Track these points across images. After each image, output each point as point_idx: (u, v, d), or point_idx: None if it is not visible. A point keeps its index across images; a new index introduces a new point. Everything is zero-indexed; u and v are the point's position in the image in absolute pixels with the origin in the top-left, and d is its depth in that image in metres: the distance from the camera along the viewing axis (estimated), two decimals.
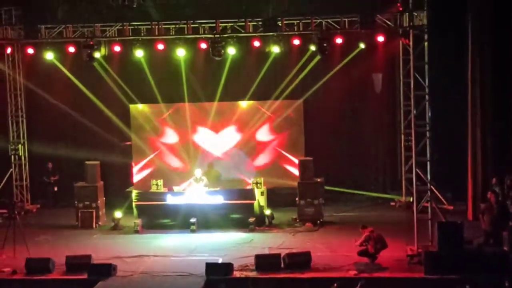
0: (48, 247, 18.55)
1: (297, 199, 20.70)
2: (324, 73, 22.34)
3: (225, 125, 23.44)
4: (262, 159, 23.39)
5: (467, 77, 20.27)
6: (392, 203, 22.49)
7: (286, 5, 20.09)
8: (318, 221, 20.44)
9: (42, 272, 16.17)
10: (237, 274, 15.83)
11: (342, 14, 20.05)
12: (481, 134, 20.31)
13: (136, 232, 20.06)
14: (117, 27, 20.19)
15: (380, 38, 20.14)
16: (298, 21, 19.89)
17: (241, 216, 20.16)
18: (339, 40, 19.98)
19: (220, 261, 16.71)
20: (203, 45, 20.22)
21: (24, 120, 23.56)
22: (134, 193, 20.88)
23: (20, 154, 23.40)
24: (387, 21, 19.05)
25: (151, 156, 23.54)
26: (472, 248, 16.25)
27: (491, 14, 19.83)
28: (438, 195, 20.13)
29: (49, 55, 21.35)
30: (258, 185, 20.89)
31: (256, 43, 20.41)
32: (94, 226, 20.78)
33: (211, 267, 15.79)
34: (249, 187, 21.10)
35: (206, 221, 20.08)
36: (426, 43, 17.00)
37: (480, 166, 20.25)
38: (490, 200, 17.27)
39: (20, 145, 23.33)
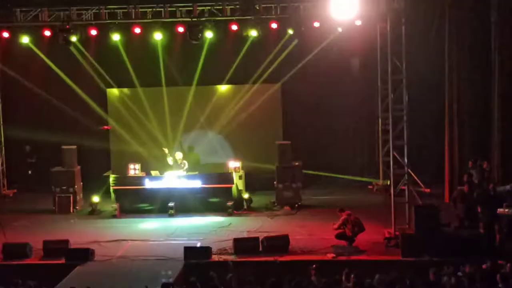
0: (26, 232, 18.49)
1: (275, 182, 20.75)
2: (302, 57, 22.30)
3: (203, 109, 23.36)
4: (240, 143, 23.36)
5: (444, 60, 20.39)
6: (370, 187, 22.61)
7: None
8: (296, 205, 20.52)
9: (20, 257, 16.15)
10: (215, 257, 15.89)
11: None
12: (458, 117, 20.48)
13: (114, 216, 20.03)
14: (93, 11, 19.99)
15: (358, 22, 20.14)
16: (275, 5, 19.82)
17: (219, 200, 20.20)
18: (316, 24, 19.95)
19: (198, 245, 16.77)
20: (181, 29, 20.07)
21: (0, 105, 23.33)
22: (111, 178, 20.82)
23: None
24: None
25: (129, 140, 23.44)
26: (449, 230, 16.40)
27: None
28: (415, 178, 20.26)
29: (25, 39, 21.08)
30: (236, 169, 20.91)
31: (234, 27, 20.30)
32: (71, 210, 20.72)
33: (189, 251, 15.83)
34: (227, 171, 21.10)
35: (185, 205, 20.08)
36: (403, 27, 17.04)
37: (457, 149, 20.44)
38: (464, 188, 17.35)
39: None
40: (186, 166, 20.80)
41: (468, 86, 20.56)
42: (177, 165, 20.79)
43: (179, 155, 21.00)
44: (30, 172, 23.65)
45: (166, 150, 21.03)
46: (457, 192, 17.74)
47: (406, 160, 17.12)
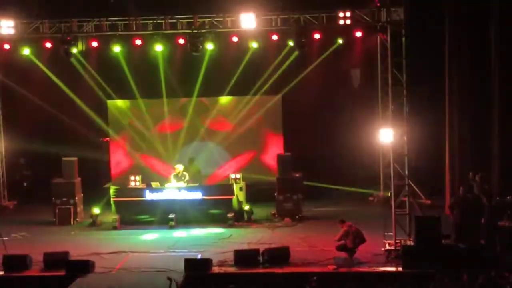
0: (26, 244, 18.44)
1: (275, 194, 20.73)
2: (302, 68, 22.35)
3: (204, 121, 23.38)
4: (241, 155, 23.37)
5: (445, 72, 20.41)
6: (370, 198, 22.57)
7: None
8: (297, 216, 20.50)
9: (20, 269, 16.12)
10: (216, 269, 15.84)
11: (320, 10, 20.06)
12: (459, 128, 20.47)
13: (114, 228, 20.00)
14: (94, 23, 20.03)
15: (358, 34, 20.17)
16: (276, 16, 19.87)
17: (220, 211, 20.18)
18: (317, 36, 19.97)
19: (199, 256, 16.73)
20: (181, 41, 20.12)
21: (0, 116, 23.34)
22: (112, 189, 20.80)
23: None
24: (364, 17, 19.09)
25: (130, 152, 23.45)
26: (450, 242, 16.36)
27: (469, 7, 19.99)
28: (416, 189, 20.24)
29: (26, 51, 21.18)
30: (237, 180, 20.90)
31: (234, 39, 20.37)
32: (72, 222, 20.70)
33: (190, 263, 15.80)
34: (227, 182, 21.08)
35: (185, 217, 20.06)
36: (403, 39, 17.07)
37: (458, 160, 20.40)
38: (459, 194, 17.37)
39: None
40: (187, 177, 20.79)
41: (468, 95, 20.54)
42: (177, 177, 20.78)
43: (179, 167, 20.98)
44: (25, 184, 23.62)
45: (179, 168, 20.91)
46: (454, 199, 17.71)
47: (406, 171, 17.11)
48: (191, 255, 16.75)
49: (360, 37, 20.45)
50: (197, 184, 20.91)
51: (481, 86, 20.47)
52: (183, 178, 20.74)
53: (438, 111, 20.99)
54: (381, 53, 20.33)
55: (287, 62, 22.11)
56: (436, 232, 15.81)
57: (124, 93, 23.34)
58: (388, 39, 17.45)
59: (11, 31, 19.68)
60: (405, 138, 17.07)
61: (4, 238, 17.60)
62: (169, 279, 12.33)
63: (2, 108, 23.32)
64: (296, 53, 21.24)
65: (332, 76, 22.92)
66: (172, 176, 20.77)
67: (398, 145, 17.18)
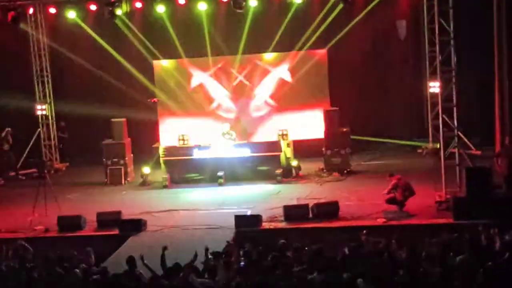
0: (79, 204, 18.80)
1: (323, 149, 20.70)
2: (347, 21, 22.05)
3: (249, 78, 23.34)
4: (288, 110, 23.31)
5: (493, 20, 19.95)
6: (419, 150, 22.38)
7: None
8: (345, 171, 20.46)
9: (74, 229, 16.45)
10: (266, 225, 15.96)
11: None
12: (508, 78, 20.06)
13: (165, 187, 20.23)
14: None
15: None
16: None
17: (268, 168, 20.23)
18: None
19: (248, 213, 16.85)
20: None
21: (50, 80, 23.67)
22: (161, 149, 20.99)
23: (47, 114, 23.60)
24: None
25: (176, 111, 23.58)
26: (500, 192, 16.17)
27: None
28: (465, 140, 20.01)
29: (71, 14, 21.35)
30: (284, 136, 20.90)
31: None
32: (123, 182, 21.00)
33: (240, 219, 15.92)
34: (275, 139, 21.10)
35: (234, 174, 20.18)
36: None
37: (508, 110, 20.04)
38: (504, 143, 17.13)
39: (46, 105, 23.52)
40: (234, 135, 20.86)
41: None
42: (225, 135, 20.84)
43: (226, 126, 21.03)
44: (61, 146, 23.97)
45: (226, 127, 20.98)
46: (501, 148, 17.47)
47: (455, 122, 16.89)
48: (241, 211, 16.88)
49: None
50: (245, 142, 20.96)
51: None
52: (231, 135, 20.81)
53: (486, 61, 20.56)
54: (427, 3, 20.05)
55: (332, 16, 21.84)
56: (487, 182, 15.64)
57: (169, 53, 23.39)
58: None
59: None
60: (454, 88, 16.81)
61: (58, 200, 17.97)
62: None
63: (51, 72, 23.62)
64: (340, 6, 20.99)
65: (378, 29, 22.63)
66: (220, 134, 20.83)
67: (447, 96, 16.93)
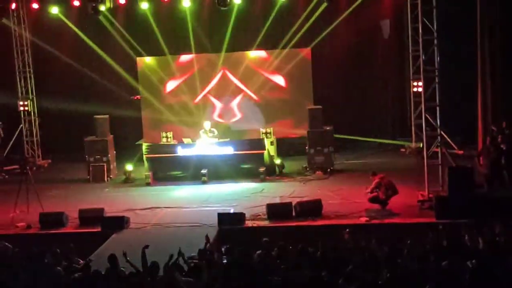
0: (61, 201, 18.69)
1: (306, 147, 20.73)
2: (331, 20, 22.13)
3: (233, 76, 23.34)
4: (271, 109, 23.35)
5: (476, 20, 20.04)
6: (402, 150, 22.49)
7: None
8: (328, 169, 20.50)
9: (56, 226, 16.35)
10: (249, 223, 15.95)
11: None
12: (490, 77, 20.18)
13: (148, 184, 20.17)
14: None
15: None
16: None
17: (251, 166, 20.23)
18: None
19: (232, 211, 16.83)
20: None
21: (32, 76, 23.53)
22: (144, 146, 20.92)
23: (30, 110, 23.47)
24: None
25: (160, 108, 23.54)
26: (482, 192, 16.27)
27: None
28: (448, 140, 20.11)
29: (54, 9, 21.24)
30: (268, 135, 20.92)
31: None
32: (105, 179, 20.91)
33: (223, 217, 15.90)
34: (258, 137, 21.12)
35: (217, 172, 20.15)
36: None
37: (490, 110, 20.16)
38: (486, 143, 17.26)
39: (29, 101, 23.37)
40: (216, 133, 20.81)
41: (501, 44, 20.21)
42: (207, 133, 20.80)
43: (207, 124, 20.99)
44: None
45: (207, 125, 20.93)
46: (482, 148, 17.59)
47: (438, 121, 16.96)
48: (224, 209, 16.86)
49: None
50: (228, 139, 20.96)
51: None
52: (213, 133, 20.77)
53: (470, 60, 20.66)
54: (411, 2, 20.11)
55: (316, 14, 21.88)
56: (469, 182, 15.72)
57: (153, 49, 23.36)
58: None
59: None
60: (437, 88, 16.88)
61: (40, 197, 17.87)
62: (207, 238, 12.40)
63: (33, 68, 23.49)
64: (324, 4, 21.03)
65: (362, 28, 22.68)
66: (201, 132, 20.78)
67: (430, 95, 17.00)
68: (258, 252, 11.74)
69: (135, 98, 23.07)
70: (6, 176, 21.78)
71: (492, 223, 13.04)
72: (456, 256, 10.65)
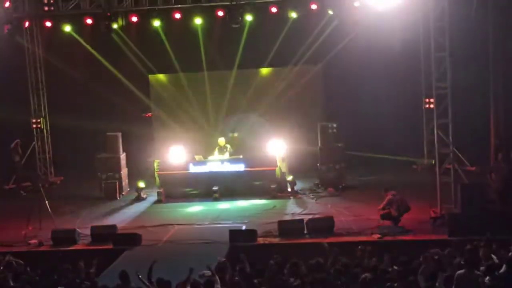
0: (73, 218, 18.73)
1: (318, 164, 20.69)
2: (343, 37, 22.12)
3: (245, 93, 23.36)
4: (283, 125, 23.31)
5: (489, 37, 20.02)
6: (414, 166, 22.40)
7: None
8: (340, 186, 20.45)
9: (68, 243, 16.39)
10: (260, 240, 15.91)
11: None
12: (504, 92, 20.11)
13: (160, 201, 20.19)
14: None
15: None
16: None
17: (263, 182, 20.22)
18: (356, 4, 19.76)
19: (243, 228, 16.80)
20: (220, 13, 20.11)
21: (45, 93, 23.65)
22: (156, 163, 20.95)
23: (42, 127, 23.58)
24: None
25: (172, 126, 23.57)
26: (495, 208, 16.18)
27: None
28: (460, 156, 20.03)
29: (67, 28, 21.34)
30: (279, 151, 20.89)
31: (274, 9, 20.25)
32: (118, 196, 20.94)
33: (235, 234, 15.89)
34: (270, 154, 21.09)
35: (229, 189, 20.17)
36: (446, 4, 16.77)
37: (503, 126, 20.09)
38: (497, 159, 17.20)
39: (41, 118, 23.49)
40: (229, 149, 20.84)
41: None
42: (221, 150, 20.85)
43: (222, 139, 21.03)
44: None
45: (222, 141, 20.94)
46: (493, 164, 17.53)
47: (451, 138, 16.91)
48: (235, 226, 16.84)
49: (400, 2, 20.12)
50: (240, 156, 20.95)
51: None
52: (225, 150, 20.81)
53: (482, 77, 20.61)
54: (423, 19, 20.11)
55: (327, 31, 21.90)
56: (481, 198, 15.65)
57: (165, 67, 23.45)
58: (430, 3, 17.15)
59: (52, 8, 19.85)
60: (449, 104, 16.84)
61: (52, 213, 17.91)
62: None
63: (46, 85, 23.60)
64: (336, 21, 21.04)
65: (373, 44, 22.65)
66: (216, 150, 20.81)
67: (442, 112, 16.96)
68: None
69: (146, 115, 23.10)
70: (24, 194, 21.77)
71: (506, 239, 12.97)
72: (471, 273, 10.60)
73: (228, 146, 21.00)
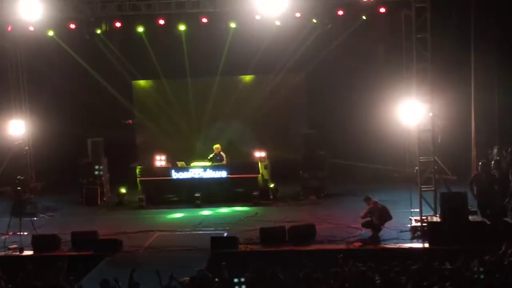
0: (54, 224, 18.65)
1: (300, 172, 20.73)
2: (326, 46, 22.20)
3: (228, 100, 23.36)
4: (266, 133, 23.34)
5: (470, 47, 20.17)
6: (396, 175, 22.46)
7: None
8: (322, 194, 20.50)
9: (49, 249, 16.29)
10: (242, 247, 15.91)
11: None
12: (484, 104, 20.26)
13: (141, 207, 20.16)
14: (117, 3, 20.07)
15: (382, 10, 20.00)
16: None
17: (245, 190, 20.23)
18: (340, 12, 19.85)
19: (225, 235, 16.81)
20: (204, 20, 20.13)
21: (26, 98, 23.50)
22: (138, 169, 20.90)
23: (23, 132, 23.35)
24: None
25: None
26: (476, 218, 16.27)
27: None
28: (442, 165, 20.11)
29: (50, 32, 21.25)
30: (262, 158, 20.92)
31: (257, 17, 20.29)
32: (99, 202, 20.86)
33: (216, 241, 15.88)
34: (252, 161, 21.11)
35: (211, 195, 20.17)
36: (428, 14, 16.90)
37: (484, 136, 20.23)
38: (478, 170, 17.32)
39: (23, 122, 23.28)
40: (224, 157, 20.80)
41: (494, 71, 20.32)
42: (215, 158, 20.78)
43: (216, 147, 20.96)
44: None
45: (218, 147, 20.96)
46: (473, 176, 17.64)
47: (432, 147, 17.00)
48: (217, 233, 16.84)
49: (384, 13, 20.27)
50: (222, 163, 20.93)
51: (508, 62, 20.24)
52: (218, 158, 20.77)
53: (463, 87, 20.75)
54: (405, 30, 20.25)
55: (311, 40, 21.96)
56: (462, 208, 15.74)
57: (149, 73, 23.41)
58: (413, 14, 17.28)
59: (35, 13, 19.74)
60: (431, 114, 16.95)
61: (33, 219, 17.81)
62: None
63: (28, 90, 23.46)
64: (319, 30, 21.11)
65: (356, 53, 22.75)
66: (210, 157, 20.77)
67: (424, 121, 17.06)
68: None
69: (127, 122, 23.05)
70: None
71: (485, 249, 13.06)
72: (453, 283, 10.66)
73: (223, 155, 20.93)
